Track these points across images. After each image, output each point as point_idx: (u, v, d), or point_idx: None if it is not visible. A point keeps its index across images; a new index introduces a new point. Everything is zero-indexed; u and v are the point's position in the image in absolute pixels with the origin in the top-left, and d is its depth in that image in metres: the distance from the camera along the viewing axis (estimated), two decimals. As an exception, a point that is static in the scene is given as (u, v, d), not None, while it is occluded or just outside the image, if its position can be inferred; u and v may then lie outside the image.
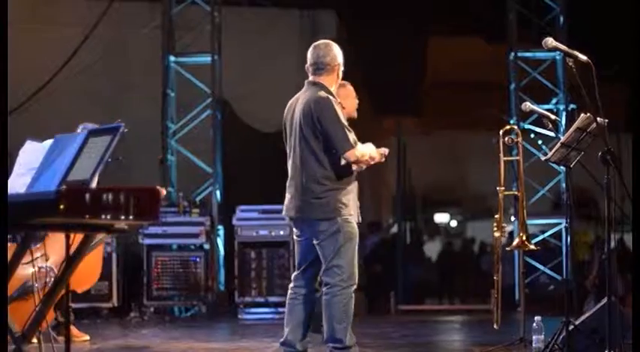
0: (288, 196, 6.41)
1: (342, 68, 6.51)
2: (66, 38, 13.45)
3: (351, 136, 6.24)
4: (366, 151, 6.38)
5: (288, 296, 6.54)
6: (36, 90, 13.08)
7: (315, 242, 6.33)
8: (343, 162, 6.32)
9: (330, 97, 6.31)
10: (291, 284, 6.56)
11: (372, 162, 6.49)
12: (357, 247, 6.39)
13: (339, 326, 6.24)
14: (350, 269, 6.28)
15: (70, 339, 8.47)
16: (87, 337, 8.72)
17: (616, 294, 6.48)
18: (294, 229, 6.56)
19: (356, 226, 6.42)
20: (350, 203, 6.39)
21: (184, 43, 13.14)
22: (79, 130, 7.70)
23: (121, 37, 14.67)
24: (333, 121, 6.21)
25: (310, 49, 6.53)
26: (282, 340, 6.52)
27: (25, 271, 6.15)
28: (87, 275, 8.44)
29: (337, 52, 6.47)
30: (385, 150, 7.91)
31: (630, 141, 6.18)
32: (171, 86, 13.00)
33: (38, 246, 7.18)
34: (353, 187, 8.03)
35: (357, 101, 7.99)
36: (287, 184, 6.45)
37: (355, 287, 6.35)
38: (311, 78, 6.46)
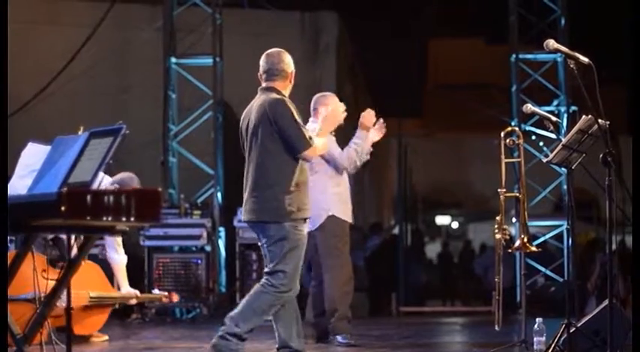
0: (244, 200, 6.45)
1: (293, 75, 6.57)
2: (68, 40, 13.47)
3: (307, 134, 6.30)
4: (320, 140, 6.49)
5: None
6: (38, 92, 13.09)
7: (265, 245, 6.38)
8: (298, 165, 6.36)
9: (285, 99, 6.39)
10: None
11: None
12: (303, 253, 6.41)
13: (249, 316, 6.30)
14: (293, 276, 6.35)
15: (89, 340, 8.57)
16: (106, 337, 8.75)
17: (617, 296, 6.48)
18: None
19: (305, 233, 6.42)
20: (305, 206, 6.38)
21: (186, 44, 13.14)
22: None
23: (122, 39, 14.69)
24: (289, 121, 6.28)
25: (263, 56, 6.62)
26: (277, 346, 6.56)
27: (42, 282, 6.17)
28: (91, 322, 8.49)
29: (290, 60, 6.57)
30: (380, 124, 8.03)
31: (628, 143, 6.18)
32: (172, 88, 13.00)
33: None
34: (342, 188, 8.10)
35: (342, 108, 8.10)
36: (243, 189, 6.48)
37: (292, 292, 6.39)
38: (264, 84, 6.53)
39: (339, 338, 7.99)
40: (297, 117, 6.32)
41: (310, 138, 6.32)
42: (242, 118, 6.58)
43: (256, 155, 6.34)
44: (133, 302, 8.88)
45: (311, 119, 8.26)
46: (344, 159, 8.01)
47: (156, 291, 8.89)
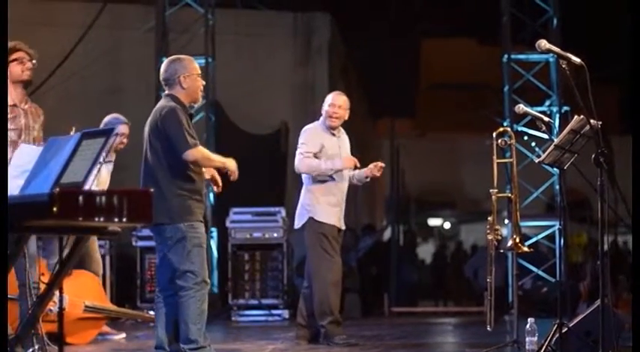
0: None
1: (191, 79, 6.62)
2: (60, 40, 13.44)
3: (192, 140, 6.40)
4: (211, 156, 6.58)
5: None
6: (30, 92, 13.05)
7: (165, 250, 6.45)
8: (192, 172, 6.47)
9: (177, 107, 6.50)
10: (156, 289, 6.71)
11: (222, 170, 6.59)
12: (205, 252, 6.47)
13: (194, 327, 6.38)
14: (202, 273, 6.42)
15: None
16: (123, 334, 8.82)
17: (609, 296, 6.49)
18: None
19: (203, 231, 6.50)
20: (198, 210, 6.45)
21: (178, 45, 13.11)
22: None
23: (115, 39, 14.68)
24: (175, 126, 6.41)
25: None
26: (155, 344, 6.61)
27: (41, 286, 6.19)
28: (83, 335, 8.48)
29: (179, 66, 6.64)
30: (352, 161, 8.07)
31: (621, 144, 6.19)
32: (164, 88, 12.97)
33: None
34: (333, 193, 8.11)
35: (337, 109, 8.09)
36: None
37: (207, 286, 6.47)
38: (166, 91, 6.69)
39: (335, 339, 8.00)
40: (184, 123, 6.43)
41: (195, 144, 6.40)
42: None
43: (151, 160, 6.49)
44: (128, 317, 8.92)
45: (322, 117, 8.31)
46: (303, 165, 8.11)
47: (151, 313, 8.89)
